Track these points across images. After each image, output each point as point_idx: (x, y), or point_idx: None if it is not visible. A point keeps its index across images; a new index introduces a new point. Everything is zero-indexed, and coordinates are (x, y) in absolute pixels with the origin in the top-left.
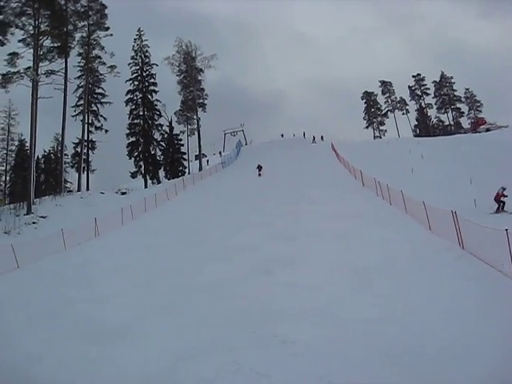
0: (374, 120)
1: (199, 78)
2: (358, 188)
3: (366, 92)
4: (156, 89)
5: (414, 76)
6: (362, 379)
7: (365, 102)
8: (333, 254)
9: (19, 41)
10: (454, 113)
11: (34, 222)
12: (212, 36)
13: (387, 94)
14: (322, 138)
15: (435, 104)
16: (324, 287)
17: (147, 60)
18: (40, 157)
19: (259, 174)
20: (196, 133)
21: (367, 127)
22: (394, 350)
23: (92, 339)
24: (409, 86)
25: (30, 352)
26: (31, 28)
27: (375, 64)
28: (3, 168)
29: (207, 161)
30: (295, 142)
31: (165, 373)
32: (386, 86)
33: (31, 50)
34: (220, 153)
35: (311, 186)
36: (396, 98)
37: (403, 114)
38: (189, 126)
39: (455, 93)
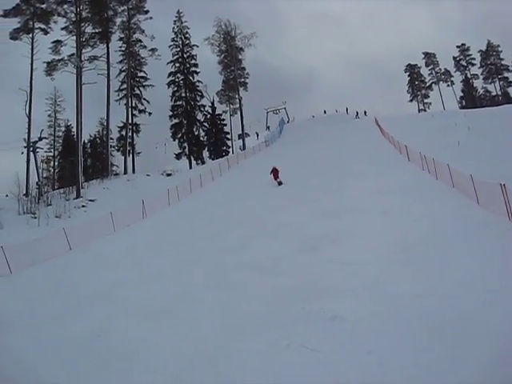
0: (418, 93)
1: (239, 57)
2: (403, 163)
3: (409, 65)
4: (197, 70)
5: (458, 46)
6: (411, 354)
7: (408, 75)
8: (379, 229)
9: (62, 28)
10: (501, 83)
11: (83, 206)
12: (240, 15)
13: (431, 66)
14: (365, 113)
15: (481, 74)
16: (371, 263)
17: (187, 41)
18: (86, 141)
19: (278, 183)
20: (238, 112)
21: (411, 100)
22: (442, 325)
23: (145, 317)
24: (453, 57)
25: (88, 330)
26: (73, 15)
27: (415, 36)
28: (51, 154)
29: (257, 134)
30: (338, 117)
31: (216, 348)
32: (429, 57)
33: (74, 37)
34: (257, 135)
35: (355, 162)
36: (440, 69)
37: (448, 85)
38: (231, 106)
39: (502, 62)
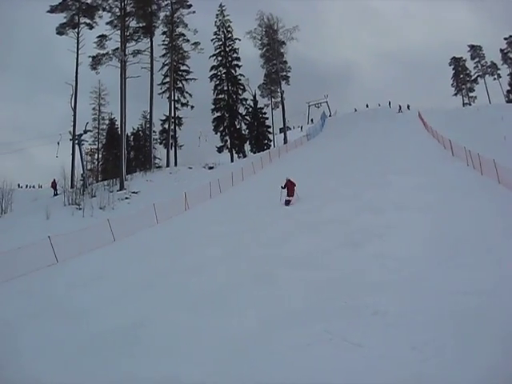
0: (463, 86)
1: (281, 50)
2: (448, 158)
3: (453, 58)
4: (239, 63)
5: (505, 38)
6: (455, 351)
7: (453, 68)
8: (422, 225)
9: (107, 23)
10: None
11: (126, 198)
12: (278, 8)
13: (477, 59)
14: (408, 107)
15: None
16: (414, 259)
17: (229, 35)
18: (129, 134)
19: (286, 201)
20: (280, 106)
21: (455, 94)
22: (488, 323)
23: (188, 307)
24: (500, 50)
25: (133, 320)
26: (117, 10)
27: (458, 28)
28: (95, 146)
29: (300, 128)
30: (381, 111)
31: (258, 340)
32: (475, 50)
33: (118, 32)
34: (301, 128)
35: (399, 157)
36: (486, 62)
37: (494, 79)
38: (273, 99)
39: None
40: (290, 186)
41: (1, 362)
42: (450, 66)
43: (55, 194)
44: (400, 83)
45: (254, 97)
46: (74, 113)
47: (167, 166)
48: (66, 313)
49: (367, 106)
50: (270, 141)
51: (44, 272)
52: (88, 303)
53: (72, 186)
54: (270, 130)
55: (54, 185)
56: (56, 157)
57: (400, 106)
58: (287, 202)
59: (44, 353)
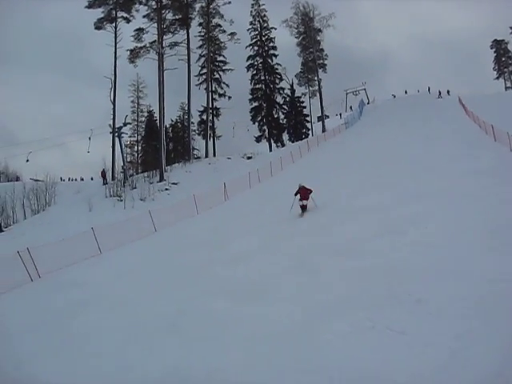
0: (505, 70)
1: (318, 38)
2: (489, 143)
3: (495, 40)
4: (276, 52)
5: None
6: (499, 340)
7: (494, 51)
8: (464, 212)
9: (143, 16)
10: None
11: (166, 189)
12: None
13: None
14: (447, 92)
15: None
16: (456, 246)
17: (265, 24)
18: (168, 126)
19: (302, 208)
20: (317, 94)
21: (497, 78)
22: None
23: (230, 296)
24: None
25: (177, 308)
26: (154, 3)
27: (498, 10)
28: (135, 139)
29: (340, 115)
30: (420, 97)
31: (301, 327)
32: None
33: (155, 25)
34: (340, 115)
35: (439, 143)
36: None
37: None
38: (310, 88)
39: None
40: (302, 193)
41: (56, 349)
42: (492, 48)
43: (105, 183)
44: (439, 68)
45: (292, 86)
46: (114, 106)
47: (206, 156)
48: (111, 301)
49: (406, 92)
50: (308, 130)
51: (89, 262)
52: (132, 292)
53: (113, 178)
54: (308, 118)
55: (103, 174)
56: (87, 152)
57: (440, 92)
58: (303, 208)
59: (93, 340)
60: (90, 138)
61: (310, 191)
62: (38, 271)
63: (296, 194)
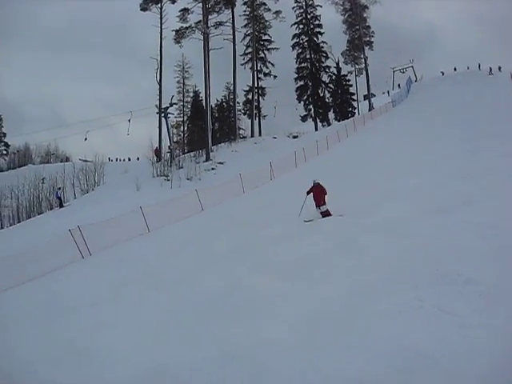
0: None
1: (364, 15)
2: None
3: None
4: (321, 30)
5: None
6: None
7: None
8: None
9: None
10: None
11: (212, 168)
12: None
13: None
14: (499, 68)
15: None
16: (507, 226)
17: (311, 2)
18: (213, 106)
19: (323, 214)
20: (364, 72)
21: None
22: None
23: (278, 275)
24: None
25: (224, 283)
26: None
27: None
28: (181, 119)
29: (387, 92)
30: (469, 74)
31: (347, 307)
32: None
33: (200, 5)
34: (388, 92)
35: (489, 122)
36: None
37: None
38: (356, 66)
39: None
40: (316, 193)
41: (110, 323)
42: None
43: (158, 161)
44: (489, 45)
45: (337, 64)
46: (160, 87)
47: (252, 136)
48: (161, 278)
49: (455, 69)
50: (355, 108)
51: (137, 240)
52: (180, 269)
53: (160, 158)
54: (354, 97)
55: (157, 152)
56: (127, 134)
57: (490, 68)
58: (324, 214)
59: (144, 315)
60: (129, 121)
61: (325, 192)
62: (88, 249)
63: (309, 193)
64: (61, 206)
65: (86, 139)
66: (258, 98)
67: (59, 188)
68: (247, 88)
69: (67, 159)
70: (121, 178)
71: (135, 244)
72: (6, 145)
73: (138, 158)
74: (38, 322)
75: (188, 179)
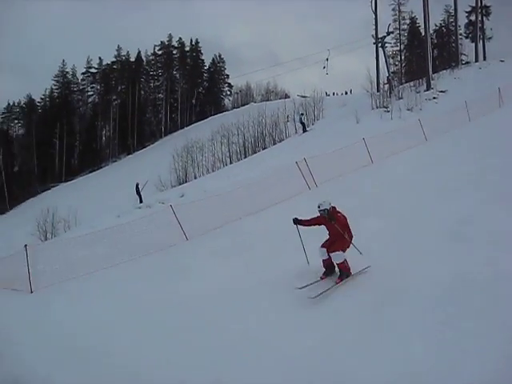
0: None
1: None
2: None
3: None
4: None
5: None
6: None
7: None
8: None
9: None
10: None
11: (434, 98)
12: None
13: None
14: None
15: None
16: None
17: None
18: (431, 32)
19: (325, 265)
20: None
21: None
22: None
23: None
24: None
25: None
26: None
27: None
28: (397, 48)
29: None
30: None
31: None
32: None
33: None
34: None
35: None
36: None
37: None
38: None
39: None
40: (329, 235)
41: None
42: None
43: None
44: None
45: None
46: (376, 16)
47: (476, 61)
48: (383, 207)
49: None
50: None
51: (361, 172)
52: (402, 199)
53: (378, 90)
54: None
55: (389, 82)
56: (326, 74)
57: None
58: (328, 267)
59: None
60: (327, 59)
61: (345, 224)
62: (314, 181)
63: (305, 225)
64: (304, 130)
65: (325, 69)
66: (482, 18)
67: (302, 114)
68: (469, 9)
69: (286, 96)
70: (339, 111)
71: (359, 175)
72: (230, 85)
73: (351, 91)
74: None
75: (408, 110)
